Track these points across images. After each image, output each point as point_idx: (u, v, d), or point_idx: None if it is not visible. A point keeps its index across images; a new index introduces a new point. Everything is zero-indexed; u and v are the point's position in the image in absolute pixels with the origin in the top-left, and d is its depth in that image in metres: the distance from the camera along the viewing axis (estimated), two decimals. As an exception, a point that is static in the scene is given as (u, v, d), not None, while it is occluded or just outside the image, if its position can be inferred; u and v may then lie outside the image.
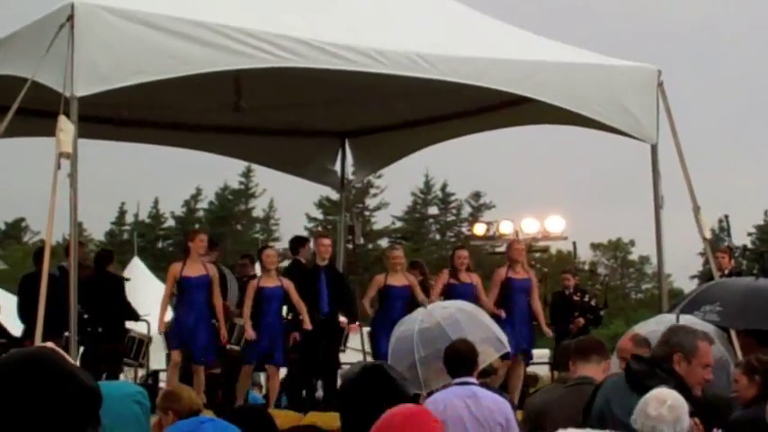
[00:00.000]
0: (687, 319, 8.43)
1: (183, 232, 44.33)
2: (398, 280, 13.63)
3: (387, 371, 4.31)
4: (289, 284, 13.28)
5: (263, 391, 15.33)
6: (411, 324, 9.90)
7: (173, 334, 12.77)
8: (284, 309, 13.60)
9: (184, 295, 12.78)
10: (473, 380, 7.68)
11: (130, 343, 14.02)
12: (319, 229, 59.11)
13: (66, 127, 9.39)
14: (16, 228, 71.66)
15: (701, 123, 72.03)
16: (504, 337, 10.05)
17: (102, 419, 2.97)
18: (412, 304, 13.13)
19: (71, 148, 9.40)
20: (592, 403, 5.84)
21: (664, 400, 4.99)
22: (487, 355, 9.49)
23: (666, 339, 5.84)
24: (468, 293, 13.53)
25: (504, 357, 11.68)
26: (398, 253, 14.23)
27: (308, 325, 13.01)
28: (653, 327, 8.40)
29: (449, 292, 13.61)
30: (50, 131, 9.60)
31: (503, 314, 13.53)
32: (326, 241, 14.05)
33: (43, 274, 9.49)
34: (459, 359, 7.74)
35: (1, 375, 2.86)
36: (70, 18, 9.59)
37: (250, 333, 12.96)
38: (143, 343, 14.45)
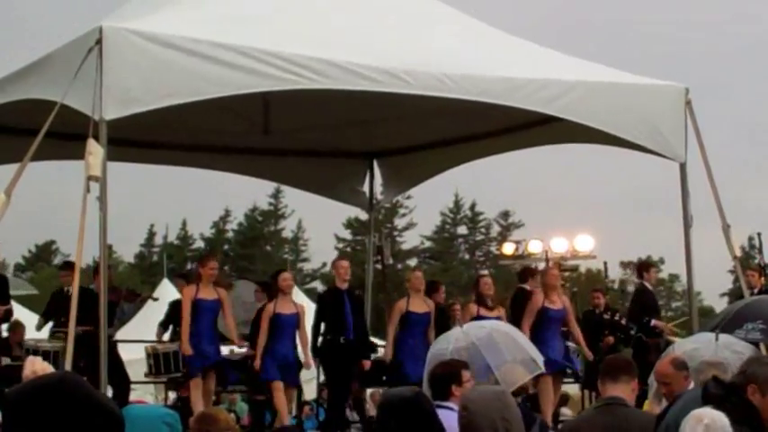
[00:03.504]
0: (727, 338, 8.33)
1: (199, 256, 44.15)
2: (419, 306, 13.64)
3: (424, 404, 4.23)
4: (301, 308, 13.39)
5: (293, 412, 15.28)
6: (445, 343, 9.81)
7: (191, 360, 12.71)
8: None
9: (197, 317, 12.80)
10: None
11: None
12: (348, 250, 59.15)
13: (95, 150, 9.40)
14: (46, 251, 71.99)
15: (729, 139, 71.72)
16: (539, 358, 9.96)
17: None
18: (436, 327, 13.22)
19: (100, 171, 9.41)
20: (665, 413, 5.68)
21: (701, 419, 4.87)
22: (519, 376, 9.42)
23: (743, 369, 5.76)
24: None
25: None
26: (419, 273, 14.38)
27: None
28: (690, 346, 8.30)
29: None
30: (80, 154, 9.60)
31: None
32: (345, 263, 13.97)
33: (73, 297, 9.51)
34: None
35: (27, 399, 2.88)
36: (99, 42, 9.61)
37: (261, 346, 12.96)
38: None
